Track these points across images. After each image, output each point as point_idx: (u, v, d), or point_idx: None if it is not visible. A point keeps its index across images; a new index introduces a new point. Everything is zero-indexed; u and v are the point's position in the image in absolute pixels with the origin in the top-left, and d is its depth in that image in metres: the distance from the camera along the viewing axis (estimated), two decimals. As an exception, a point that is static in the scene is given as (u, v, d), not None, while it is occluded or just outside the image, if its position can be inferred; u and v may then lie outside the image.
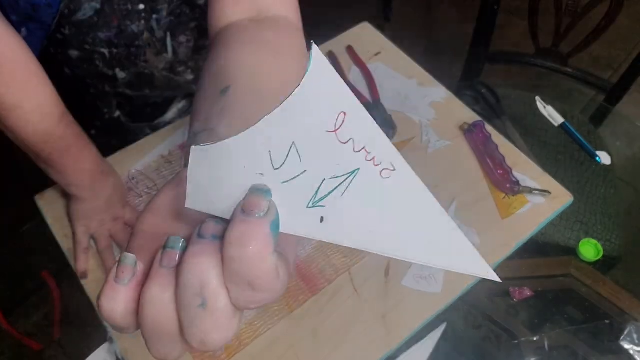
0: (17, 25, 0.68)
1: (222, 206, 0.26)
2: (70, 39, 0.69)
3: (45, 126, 0.60)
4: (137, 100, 0.79)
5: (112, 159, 0.79)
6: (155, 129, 0.85)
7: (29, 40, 0.67)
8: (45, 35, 0.68)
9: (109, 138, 0.83)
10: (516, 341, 0.74)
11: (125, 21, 0.69)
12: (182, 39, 0.73)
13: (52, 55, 0.72)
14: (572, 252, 0.82)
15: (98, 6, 0.66)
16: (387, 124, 0.83)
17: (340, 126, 0.24)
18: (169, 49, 0.73)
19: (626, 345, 0.73)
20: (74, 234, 0.71)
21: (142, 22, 0.70)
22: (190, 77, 0.79)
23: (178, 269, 0.25)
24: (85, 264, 0.70)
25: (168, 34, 0.72)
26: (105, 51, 0.71)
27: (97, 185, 0.68)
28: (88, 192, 0.68)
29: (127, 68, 0.74)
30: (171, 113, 0.84)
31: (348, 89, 0.23)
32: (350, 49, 0.95)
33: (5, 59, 0.55)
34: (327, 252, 0.72)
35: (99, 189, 0.69)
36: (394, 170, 0.25)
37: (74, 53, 0.71)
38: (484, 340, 0.74)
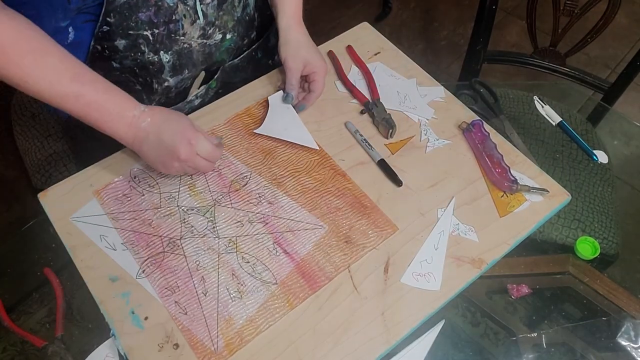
0: (64, 29, 0.72)
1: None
2: (115, 28, 0.73)
3: (57, 89, 0.65)
4: (172, 90, 0.85)
5: (113, 157, 0.80)
6: None
7: (79, 40, 0.73)
8: (93, 29, 0.72)
9: None
10: (514, 338, 0.74)
11: None
12: None
13: (99, 52, 0.75)
14: (569, 249, 0.83)
15: None
16: (387, 123, 0.84)
17: None
18: (200, 13, 0.77)
19: (623, 342, 0.74)
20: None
21: None
22: (219, 36, 0.83)
23: None
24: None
25: None
26: (148, 33, 0.75)
27: (141, 128, 0.69)
28: (135, 139, 0.70)
29: (170, 49, 0.79)
30: (191, 96, 0.89)
31: None
32: (350, 49, 0.96)
33: (9, 41, 0.60)
34: (327, 250, 0.73)
35: (145, 131, 0.69)
36: None
37: (120, 43, 0.75)
38: (482, 337, 0.75)
